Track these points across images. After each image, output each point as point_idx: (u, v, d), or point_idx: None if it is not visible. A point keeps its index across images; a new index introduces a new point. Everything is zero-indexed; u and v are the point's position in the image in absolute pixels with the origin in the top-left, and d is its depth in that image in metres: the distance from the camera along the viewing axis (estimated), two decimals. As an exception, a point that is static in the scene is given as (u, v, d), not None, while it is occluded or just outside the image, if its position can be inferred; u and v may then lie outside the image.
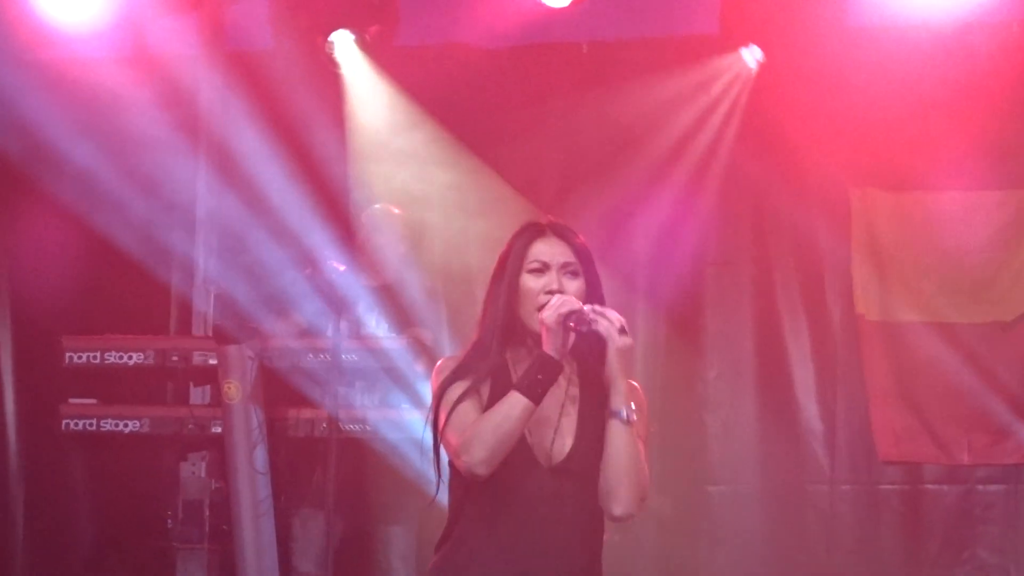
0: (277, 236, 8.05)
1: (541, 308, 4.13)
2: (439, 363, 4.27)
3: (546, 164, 8.72)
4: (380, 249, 7.96)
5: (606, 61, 8.68)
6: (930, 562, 8.44)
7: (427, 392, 6.75)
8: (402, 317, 7.77)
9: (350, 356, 7.56)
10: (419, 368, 7.50)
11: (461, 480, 4.18)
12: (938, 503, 8.48)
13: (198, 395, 8.46)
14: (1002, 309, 8.47)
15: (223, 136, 8.47)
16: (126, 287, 8.50)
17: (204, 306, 8.76)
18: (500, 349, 4.21)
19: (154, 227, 8.33)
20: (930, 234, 8.53)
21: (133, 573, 8.37)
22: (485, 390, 4.18)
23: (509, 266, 4.24)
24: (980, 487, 8.48)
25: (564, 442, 4.18)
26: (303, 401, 7.68)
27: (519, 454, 4.11)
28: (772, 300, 8.73)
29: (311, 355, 7.60)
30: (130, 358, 7.86)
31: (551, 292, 4.15)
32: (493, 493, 4.14)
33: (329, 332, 7.51)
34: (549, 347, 4.06)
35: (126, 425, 7.84)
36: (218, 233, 8.67)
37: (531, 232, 4.28)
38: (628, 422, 4.11)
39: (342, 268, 7.58)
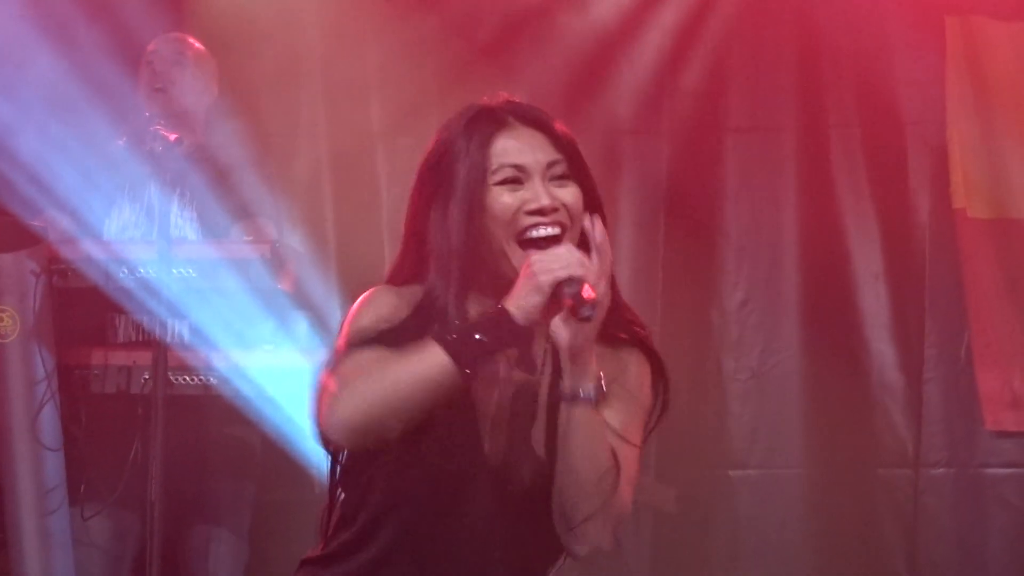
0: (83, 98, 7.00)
1: (522, 234, 3.34)
2: (371, 292, 3.52)
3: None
4: (183, 94, 6.74)
5: None
6: (1061, 575, 7.39)
7: (298, 327, 6.56)
8: (234, 200, 6.67)
9: (185, 270, 6.38)
10: (284, 286, 6.49)
11: (362, 473, 3.40)
12: (1075, 494, 7.44)
13: (-46, 331, 7.73)
14: None
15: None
16: None
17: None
18: (460, 296, 3.44)
19: None
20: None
21: None
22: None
23: (464, 177, 3.43)
24: None
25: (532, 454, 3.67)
26: (114, 340, 6.65)
27: (467, 458, 3.42)
28: (828, 187, 7.33)
29: (126, 269, 6.41)
30: None
31: (537, 212, 3.36)
32: (417, 507, 3.37)
33: (152, 234, 6.48)
34: (515, 301, 3.23)
35: None
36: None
37: (485, 123, 3.42)
38: (597, 401, 3.35)
39: (173, 137, 6.38)
